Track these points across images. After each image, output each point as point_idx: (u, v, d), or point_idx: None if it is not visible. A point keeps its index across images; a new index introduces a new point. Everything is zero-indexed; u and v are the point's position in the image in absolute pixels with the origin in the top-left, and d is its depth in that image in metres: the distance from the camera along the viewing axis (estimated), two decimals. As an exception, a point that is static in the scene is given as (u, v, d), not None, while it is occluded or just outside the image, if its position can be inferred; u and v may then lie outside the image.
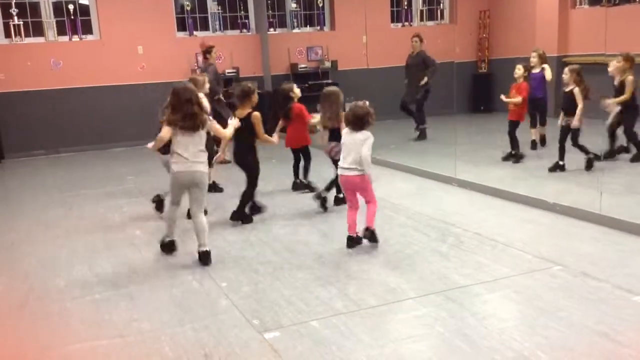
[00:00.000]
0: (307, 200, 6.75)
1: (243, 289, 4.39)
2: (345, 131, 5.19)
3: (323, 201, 6.30)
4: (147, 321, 3.94)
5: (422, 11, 13.77)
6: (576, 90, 7.08)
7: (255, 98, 5.95)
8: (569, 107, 7.18)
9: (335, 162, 5.87)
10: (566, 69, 7.28)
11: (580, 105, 7.07)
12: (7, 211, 7.15)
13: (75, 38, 11.23)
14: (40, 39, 11.05)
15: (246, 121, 5.78)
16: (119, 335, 3.76)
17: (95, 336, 3.78)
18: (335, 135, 6.03)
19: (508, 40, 13.26)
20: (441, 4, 13.99)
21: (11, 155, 10.74)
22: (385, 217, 6.05)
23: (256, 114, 5.85)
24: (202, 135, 4.89)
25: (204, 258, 4.93)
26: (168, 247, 5.24)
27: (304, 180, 7.18)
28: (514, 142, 8.16)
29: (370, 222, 5.15)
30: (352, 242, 5.16)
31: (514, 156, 8.14)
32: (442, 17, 14.04)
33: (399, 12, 13.66)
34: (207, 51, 9.47)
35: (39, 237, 6.01)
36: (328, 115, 6.16)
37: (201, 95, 5.72)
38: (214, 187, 7.08)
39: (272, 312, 3.96)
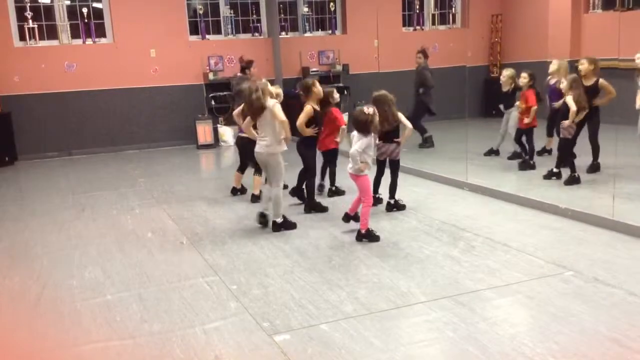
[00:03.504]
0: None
1: (253, 291, 4.39)
2: (355, 135, 5.57)
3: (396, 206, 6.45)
4: (157, 323, 3.95)
5: (434, 15, 13.77)
6: (567, 99, 6.93)
7: (317, 90, 6.45)
8: (565, 116, 7.02)
9: (390, 161, 6.37)
10: (563, 78, 7.19)
11: (572, 109, 6.88)
12: (20, 212, 7.21)
13: (89, 41, 11.34)
14: (54, 42, 11.17)
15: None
16: (130, 337, 3.78)
17: (106, 337, 3.80)
18: (389, 136, 6.26)
19: (520, 44, 13.21)
20: (453, 8, 13.97)
21: (24, 157, 10.85)
22: (397, 220, 6.05)
23: (306, 105, 6.39)
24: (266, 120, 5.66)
25: (273, 227, 5.84)
26: (260, 217, 6.04)
27: (331, 187, 7.17)
28: (523, 148, 8.10)
29: (362, 225, 5.44)
30: (348, 218, 5.78)
31: (519, 157, 8.07)
32: (454, 21, 14.03)
33: (411, 16, 13.66)
34: (246, 66, 9.61)
35: (52, 238, 6.05)
36: (381, 119, 6.07)
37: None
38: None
39: (282, 315, 3.96)
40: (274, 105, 5.65)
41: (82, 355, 3.62)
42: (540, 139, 8.54)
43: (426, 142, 10.25)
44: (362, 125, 5.45)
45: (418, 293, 4.23)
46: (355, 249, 5.22)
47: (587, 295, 4.06)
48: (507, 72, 8.72)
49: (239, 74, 10.00)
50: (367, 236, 5.41)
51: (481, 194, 6.97)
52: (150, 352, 3.57)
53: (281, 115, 5.64)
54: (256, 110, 5.63)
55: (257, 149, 5.81)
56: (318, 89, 6.47)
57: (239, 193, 7.40)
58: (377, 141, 6.32)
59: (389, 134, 6.28)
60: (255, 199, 6.98)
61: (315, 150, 6.64)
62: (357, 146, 5.43)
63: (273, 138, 5.67)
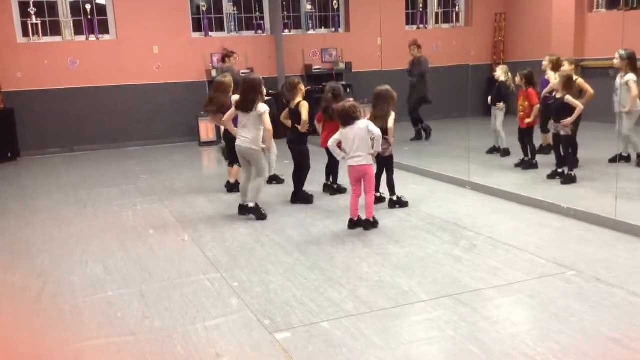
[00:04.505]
0: (318, 201, 6.77)
1: (254, 289, 4.40)
2: (341, 130, 5.65)
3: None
4: (158, 320, 3.96)
5: (437, 13, 13.74)
6: (568, 98, 6.89)
7: (302, 88, 6.70)
8: (560, 113, 6.98)
9: (382, 158, 6.28)
10: (556, 74, 7.17)
11: (579, 107, 6.88)
12: (22, 209, 7.22)
13: (92, 37, 11.35)
14: (57, 38, 11.18)
15: (296, 110, 6.59)
16: (131, 333, 3.78)
17: (107, 334, 3.80)
18: (386, 133, 6.22)
19: (524, 43, 13.18)
20: (457, 7, 13.95)
21: (27, 153, 10.87)
22: (398, 219, 6.05)
23: (304, 102, 6.59)
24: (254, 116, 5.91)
25: (239, 210, 6.21)
26: (243, 209, 6.29)
27: (333, 185, 7.15)
28: (531, 148, 8.02)
29: (370, 214, 5.66)
30: (354, 224, 5.71)
31: (524, 162, 7.97)
32: (457, 19, 14.00)
33: (414, 14, 13.64)
34: (227, 55, 9.60)
35: (54, 234, 6.06)
36: (379, 114, 6.18)
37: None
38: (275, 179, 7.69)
39: (283, 312, 3.97)
40: (264, 113, 5.90)
41: (82, 351, 3.62)
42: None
43: (425, 132, 10.59)
44: (347, 115, 5.59)
45: (419, 292, 4.22)
46: (357, 247, 5.22)
47: (588, 295, 4.06)
48: (501, 66, 8.97)
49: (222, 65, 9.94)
50: (374, 223, 5.67)
51: (483, 192, 6.96)
52: (151, 349, 3.58)
53: (269, 124, 5.96)
54: (245, 109, 5.93)
55: (238, 142, 6.05)
56: (302, 87, 6.71)
57: (234, 190, 7.37)
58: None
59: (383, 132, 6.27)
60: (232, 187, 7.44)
61: (306, 145, 6.79)
62: (375, 128, 5.60)
63: (256, 134, 5.94)
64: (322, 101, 7.00)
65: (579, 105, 6.90)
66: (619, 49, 7.43)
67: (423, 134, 10.72)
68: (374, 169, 5.80)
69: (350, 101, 5.81)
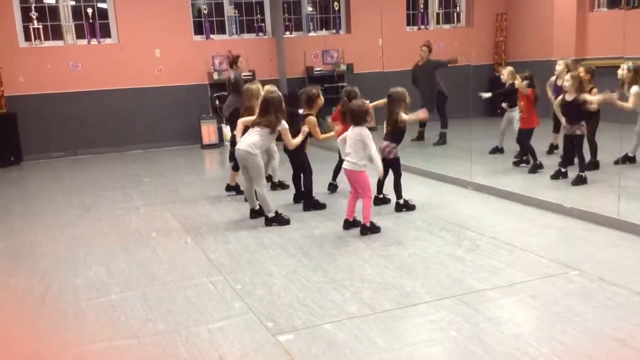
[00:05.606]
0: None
1: (257, 291, 4.40)
2: (348, 131, 5.69)
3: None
4: (162, 322, 3.96)
5: (438, 14, 13.74)
6: (584, 96, 6.86)
7: (320, 101, 6.62)
8: (572, 115, 6.96)
9: (387, 161, 6.21)
10: (568, 76, 7.16)
11: (596, 99, 6.85)
12: (25, 212, 7.23)
13: (94, 41, 11.37)
14: (59, 42, 11.20)
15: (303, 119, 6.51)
16: (134, 336, 3.78)
17: (110, 336, 3.81)
18: (394, 135, 6.25)
19: (525, 43, 13.17)
20: (457, 7, 13.94)
21: (30, 157, 10.88)
22: (401, 220, 6.04)
23: (311, 118, 6.47)
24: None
25: (265, 221, 6.02)
26: (254, 213, 6.28)
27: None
28: (527, 150, 7.98)
29: (366, 219, 5.55)
30: (348, 225, 5.73)
31: (527, 162, 7.91)
32: (458, 20, 14.00)
33: (415, 15, 13.64)
34: (234, 61, 9.54)
35: (57, 237, 6.07)
36: (389, 115, 6.22)
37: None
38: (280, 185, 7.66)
39: (286, 314, 3.96)
40: (286, 130, 5.92)
41: (86, 354, 3.62)
42: (547, 136, 8.53)
43: (440, 139, 10.37)
44: (355, 116, 5.58)
45: (422, 293, 4.22)
46: (359, 248, 5.22)
47: (591, 295, 4.05)
48: (508, 69, 8.87)
49: (231, 70, 9.75)
50: (372, 229, 5.54)
51: (485, 193, 6.95)
52: (154, 352, 3.58)
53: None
54: (273, 125, 5.86)
55: (238, 145, 5.95)
56: (321, 100, 6.62)
57: (234, 192, 7.39)
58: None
59: (395, 133, 6.29)
60: (230, 188, 7.46)
61: (303, 149, 6.67)
62: (371, 148, 5.52)
63: (255, 139, 5.84)
64: (339, 104, 6.96)
65: (594, 99, 6.85)
66: (626, 63, 7.29)
67: (437, 138, 10.57)
68: (366, 175, 5.63)
69: (366, 103, 5.74)
